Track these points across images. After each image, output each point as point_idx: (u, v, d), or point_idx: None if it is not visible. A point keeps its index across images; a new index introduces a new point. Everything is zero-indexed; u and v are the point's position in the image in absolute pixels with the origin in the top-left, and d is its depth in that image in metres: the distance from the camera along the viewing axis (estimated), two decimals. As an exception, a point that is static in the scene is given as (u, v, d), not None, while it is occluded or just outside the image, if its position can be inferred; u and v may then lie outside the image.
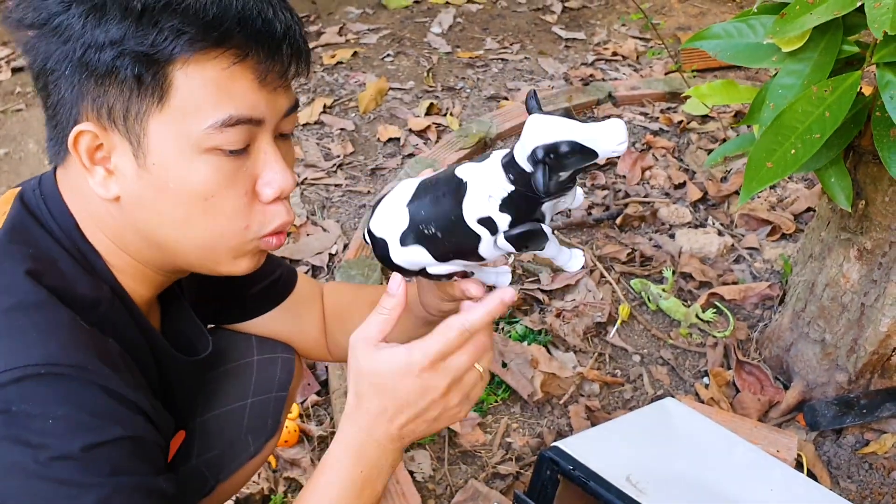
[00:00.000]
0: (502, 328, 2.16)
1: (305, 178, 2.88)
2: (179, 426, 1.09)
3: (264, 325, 1.22)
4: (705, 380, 2.05)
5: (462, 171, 0.81)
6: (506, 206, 0.78)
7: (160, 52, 0.75)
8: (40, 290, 0.77)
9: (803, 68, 1.43)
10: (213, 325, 1.22)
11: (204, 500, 1.21)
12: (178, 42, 0.75)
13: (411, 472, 1.76)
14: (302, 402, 1.96)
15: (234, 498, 1.66)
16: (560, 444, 1.35)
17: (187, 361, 1.00)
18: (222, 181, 0.81)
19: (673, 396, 1.90)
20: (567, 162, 0.74)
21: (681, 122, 3.18)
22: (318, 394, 1.99)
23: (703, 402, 1.95)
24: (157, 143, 0.78)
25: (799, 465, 1.76)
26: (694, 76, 3.38)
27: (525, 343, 2.08)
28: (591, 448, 1.36)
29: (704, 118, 3.19)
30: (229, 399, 1.22)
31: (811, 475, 1.75)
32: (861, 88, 1.44)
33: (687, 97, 3.23)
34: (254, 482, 1.74)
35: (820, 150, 1.41)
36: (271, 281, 1.18)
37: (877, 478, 1.81)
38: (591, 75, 3.66)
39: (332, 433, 1.87)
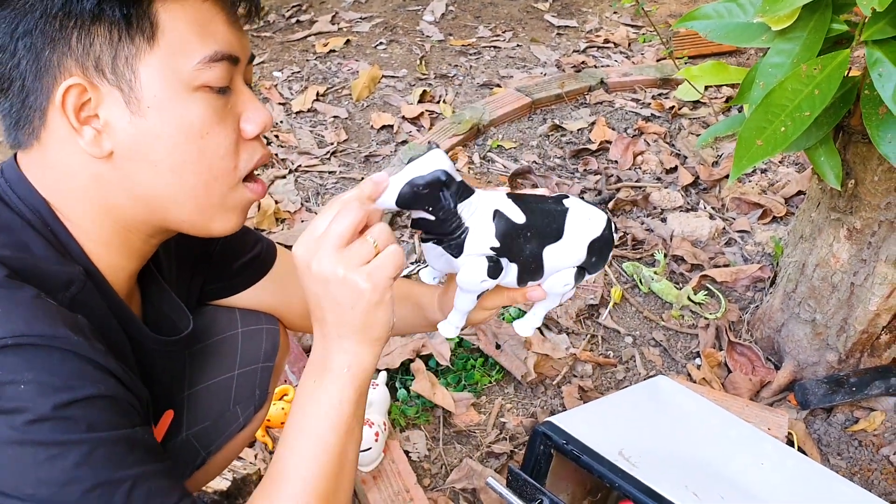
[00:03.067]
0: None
1: (299, 166, 2.88)
2: (166, 405, 1.10)
3: (250, 299, 1.23)
4: (697, 361, 2.07)
5: None
6: None
7: None
8: (1, 269, 0.75)
9: (793, 47, 1.44)
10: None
11: (196, 473, 1.22)
12: None
13: (407, 452, 1.77)
14: (297, 385, 1.97)
15: (231, 478, 1.67)
16: (554, 419, 1.37)
17: (165, 341, 0.99)
18: (214, 118, 0.83)
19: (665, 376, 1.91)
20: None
21: (672, 107, 3.19)
22: (313, 376, 1.99)
23: (694, 382, 1.96)
24: (150, 86, 0.79)
25: (790, 443, 1.78)
26: (686, 62, 3.39)
27: (519, 325, 2.09)
28: (584, 423, 1.37)
29: (696, 104, 3.21)
30: (216, 372, 1.22)
31: (802, 452, 1.77)
32: (850, 71, 1.45)
33: (678, 83, 3.25)
34: (250, 463, 1.76)
35: (810, 128, 1.42)
36: (253, 255, 1.19)
37: (866, 454, 1.83)
38: (582, 62, 3.68)
39: (328, 415, 1.89)
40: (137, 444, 0.76)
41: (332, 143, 3.04)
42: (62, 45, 0.77)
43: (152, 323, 0.98)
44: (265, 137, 2.65)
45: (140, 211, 0.86)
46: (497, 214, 0.89)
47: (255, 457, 1.78)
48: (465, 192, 0.88)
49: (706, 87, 3.20)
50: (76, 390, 0.72)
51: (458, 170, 2.79)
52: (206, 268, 1.14)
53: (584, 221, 0.94)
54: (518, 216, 0.90)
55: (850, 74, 1.49)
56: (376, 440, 1.68)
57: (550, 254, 0.93)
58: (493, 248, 0.89)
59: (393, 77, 3.54)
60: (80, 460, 0.71)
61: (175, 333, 1.01)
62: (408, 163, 0.91)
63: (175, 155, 0.82)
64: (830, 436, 1.88)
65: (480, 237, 0.89)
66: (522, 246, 0.91)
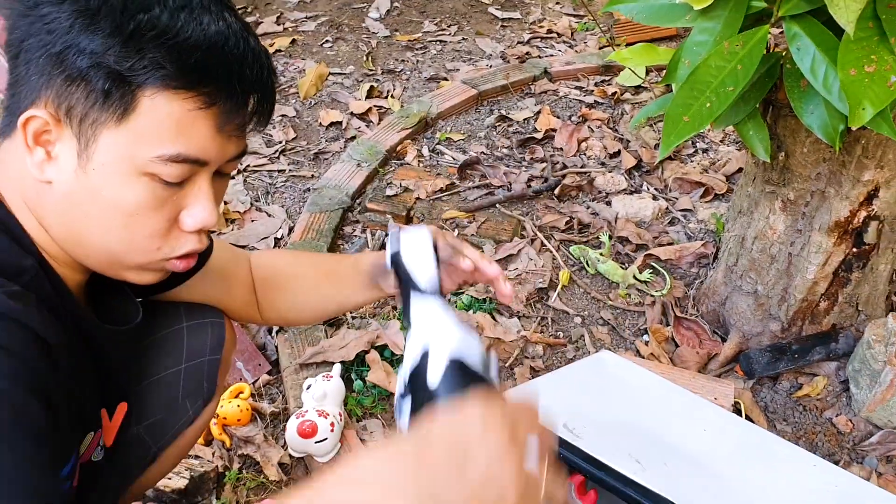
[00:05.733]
0: (449, 298, 2.20)
1: (248, 165, 2.88)
2: (120, 398, 1.11)
3: (191, 291, 1.23)
4: (645, 337, 2.11)
5: None
6: None
7: (134, 77, 0.77)
8: None
9: (715, 25, 1.49)
10: (140, 299, 1.23)
11: (150, 468, 1.23)
12: (153, 74, 0.77)
13: (364, 441, 1.79)
14: (254, 382, 1.98)
15: (189, 476, 1.68)
16: (501, 397, 1.40)
17: (116, 331, 1.00)
18: (151, 204, 0.84)
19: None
20: None
21: (615, 93, 3.25)
22: (269, 373, 2.01)
23: (643, 357, 2.01)
24: (103, 154, 0.80)
25: (738, 412, 1.83)
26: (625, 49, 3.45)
27: (471, 311, 2.13)
28: (528, 399, 1.40)
29: (637, 88, 3.26)
30: (163, 366, 1.23)
31: (749, 420, 1.82)
32: (776, 47, 1.51)
33: (620, 69, 3.30)
34: (208, 461, 1.76)
35: (737, 103, 1.47)
36: None
37: (810, 418, 1.89)
38: (527, 53, 3.72)
39: (285, 410, 1.90)
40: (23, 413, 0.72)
41: (280, 142, 3.04)
42: (47, 80, 0.79)
43: (102, 315, 0.99)
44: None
45: (68, 241, 0.87)
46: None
47: (213, 454, 1.79)
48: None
49: (647, 72, 3.26)
50: None
51: (406, 162, 2.80)
52: None
53: None
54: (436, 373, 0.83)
55: (775, 50, 1.54)
56: (332, 431, 1.70)
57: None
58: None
59: (340, 74, 3.55)
60: None
61: (125, 324, 1.03)
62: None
63: (102, 217, 0.84)
64: (777, 403, 1.94)
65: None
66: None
